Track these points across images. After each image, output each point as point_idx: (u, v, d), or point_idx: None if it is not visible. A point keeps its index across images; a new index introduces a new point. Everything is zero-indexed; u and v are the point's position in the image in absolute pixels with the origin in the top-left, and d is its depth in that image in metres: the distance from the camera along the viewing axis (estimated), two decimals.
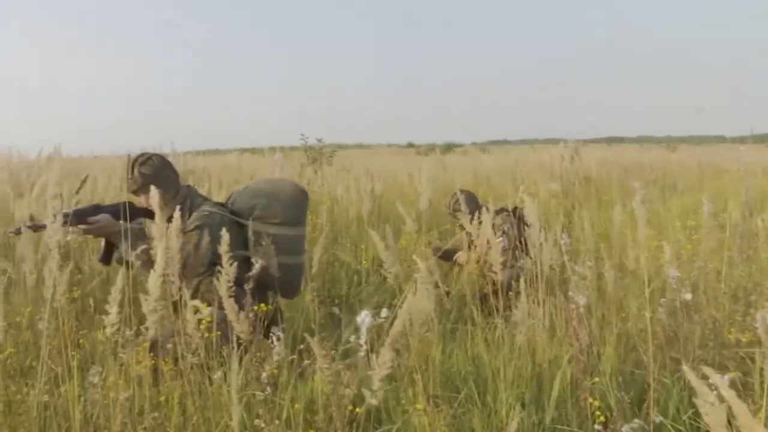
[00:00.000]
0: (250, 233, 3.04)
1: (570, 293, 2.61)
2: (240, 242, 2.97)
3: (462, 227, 4.86)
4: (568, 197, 7.94)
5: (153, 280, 1.83)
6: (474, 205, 4.46)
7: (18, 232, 2.62)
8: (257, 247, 2.97)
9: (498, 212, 4.54)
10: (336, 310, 4.17)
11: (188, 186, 3.23)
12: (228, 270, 2.11)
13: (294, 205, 3.32)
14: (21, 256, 2.71)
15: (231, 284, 2.11)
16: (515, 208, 4.63)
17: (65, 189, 3.52)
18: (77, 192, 2.52)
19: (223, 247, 2.29)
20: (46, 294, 2.11)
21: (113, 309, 1.84)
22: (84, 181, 2.50)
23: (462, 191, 4.86)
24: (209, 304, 2.30)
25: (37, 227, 2.67)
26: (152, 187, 2.56)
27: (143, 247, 2.54)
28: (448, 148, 34.66)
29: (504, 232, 4.39)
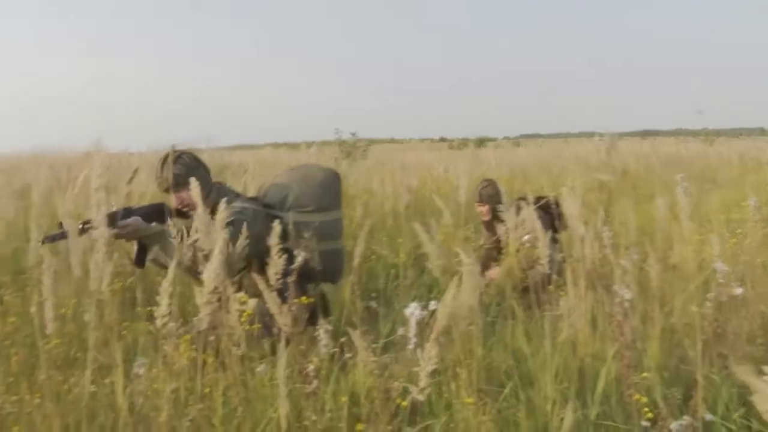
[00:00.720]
0: (290, 225, 3.03)
1: (615, 287, 2.57)
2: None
3: (486, 224, 4.80)
4: (604, 190, 7.86)
5: (208, 273, 1.83)
6: (500, 198, 4.40)
7: (52, 240, 2.63)
8: (298, 239, 2.96)
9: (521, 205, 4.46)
10: (373, 303, 4.17)
11: (219, 183, 3.21)
12: (276, 262, 2.11)
13: (326, 190, 3.31)
14: (66, 249, 2.74)
15: (279, 277, 2.11)
16: (539, 198, 4.54)
17: (106, 182, 3.58)
18: (129, 182, 2.55)
19: (273, 239, 2.30)
20: (92, 286, 2.13)
21: (164, 300, 1.84)
22: (136, 172, 2.54)
23: (490, 181, 4.78)
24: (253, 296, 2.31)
25: (58, 237, 2.65)
26: (192, 180, 2.54)
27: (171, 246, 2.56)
28: (481, 142, 34.65)
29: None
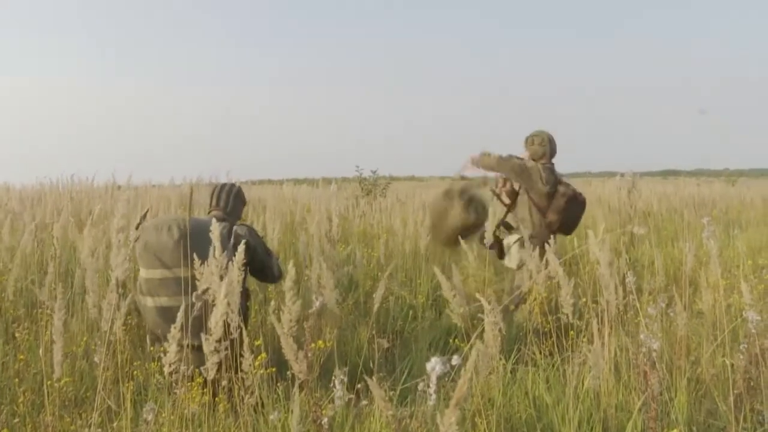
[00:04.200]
0: None
1: (642, 336, 2.47)
2: None
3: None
4: (627, 233, 7.75)
5: (215, 319, 1.76)
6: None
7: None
8: None
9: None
10: (387, 344, 4.08)
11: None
12: (291, 308, 2.03)
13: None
14: (81, 287, 2.70)
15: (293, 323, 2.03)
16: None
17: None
18: (137, 227, 2.47)
19: (287, 284, 2.19)
20: (103, 327, 2.08)
21: (172, 347, 1.78)
22: (144, 216, 2.48)
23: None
24: None
25: None
26: None
27: None
28: None
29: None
